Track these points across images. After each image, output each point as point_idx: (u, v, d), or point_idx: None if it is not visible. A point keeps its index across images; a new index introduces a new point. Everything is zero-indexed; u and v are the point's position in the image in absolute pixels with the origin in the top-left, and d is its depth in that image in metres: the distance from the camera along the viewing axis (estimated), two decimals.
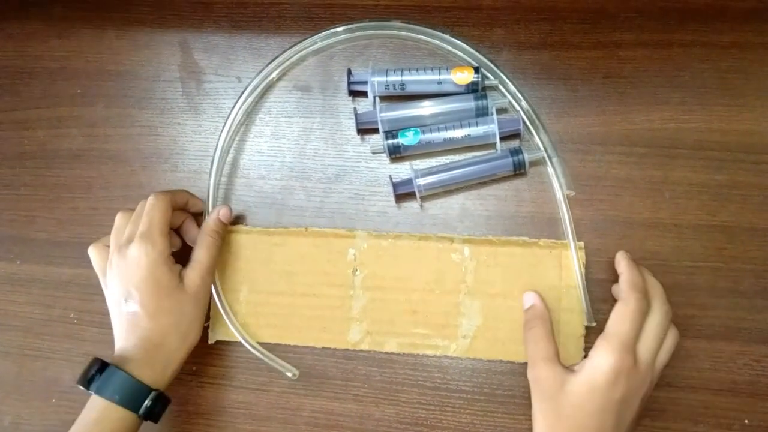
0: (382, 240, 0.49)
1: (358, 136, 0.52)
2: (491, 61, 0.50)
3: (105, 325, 0.51)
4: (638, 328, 0.40)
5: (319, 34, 0.52)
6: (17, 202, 0.55)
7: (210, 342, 0.50)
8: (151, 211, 0.45)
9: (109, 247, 0.46)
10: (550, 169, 0.49)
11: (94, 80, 0.56)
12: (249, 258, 0.50)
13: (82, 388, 0.42)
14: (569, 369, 0.40)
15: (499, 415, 0.48)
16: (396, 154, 0.50)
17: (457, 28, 0.53)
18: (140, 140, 0.55)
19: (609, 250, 0.48)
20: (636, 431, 0.41)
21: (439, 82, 0.50)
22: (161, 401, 0.43)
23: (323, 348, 0.49)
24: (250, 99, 0.52)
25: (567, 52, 0.51)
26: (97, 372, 0.42)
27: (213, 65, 0.55)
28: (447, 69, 0.50)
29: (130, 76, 0.56)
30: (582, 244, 0.47)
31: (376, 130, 0.51)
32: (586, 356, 0.46)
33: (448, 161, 0.51)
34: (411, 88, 0.50)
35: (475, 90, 0.50)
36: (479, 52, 0.50)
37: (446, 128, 0.49)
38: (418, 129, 0.49)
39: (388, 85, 0.50)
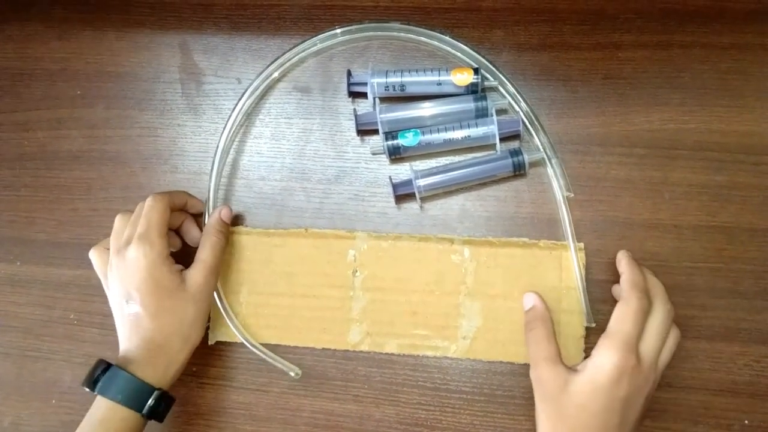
0: (382, 241, 0.49)
1: (358, 137, 0.52)
2: (491, 63, 0.50)
3: (105, 326, 0.52)
4: (641, 327, 0.39)
5: (319, 36, 0.52)
6: (17, 203, 0.55)
7: (210, 343, 0.50)
8: (149, 213, 0.45)
9: (109, 249, 0.46)
10: (549, 170, 0.49)
11: (94, 82, 0.56)
12: (249, 259, 0.50)
13: (87, 389, 0.42)
14: (572, 369, 0.40)
15: (498, 415, 0.48)
16: (396, 155, 0.50)
17: (457, 29, 0.53)
18: (140, 141, 0.55)
19: (609, 251, 0.48)
20: (639, 431, 0.41)
21: (439, 83, 0.50)
22: (165, 400, 0.43)
23: (323, 349, 0.49)
24: (250, 100, 0.52)
25: (566, 54, 0.52)
26: (102, 373, 0.42)
27: (213, 66, 0.55)
28: (447, 70, 0.50)
29: (130, 78, 0.56)
30: (582, 245, 0.47)
31: (375, 131, 0.51)
32: (586, 357, 0.46)
33: (447, 162, 0.51)
34: (411, 90, 0.50)
35: (474, 91, 0.50)
36: (479, 53, 0.50)
37: (446, 129, 0.49)
38: (418, 130, 0.49)
39: (387, 87, 0.50)
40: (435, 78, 0.50)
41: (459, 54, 0.51)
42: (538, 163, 0.50)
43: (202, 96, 0.55)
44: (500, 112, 0.50)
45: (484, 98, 0.49)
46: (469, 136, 0.49)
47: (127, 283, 0.44)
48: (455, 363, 0.48)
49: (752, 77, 0.50)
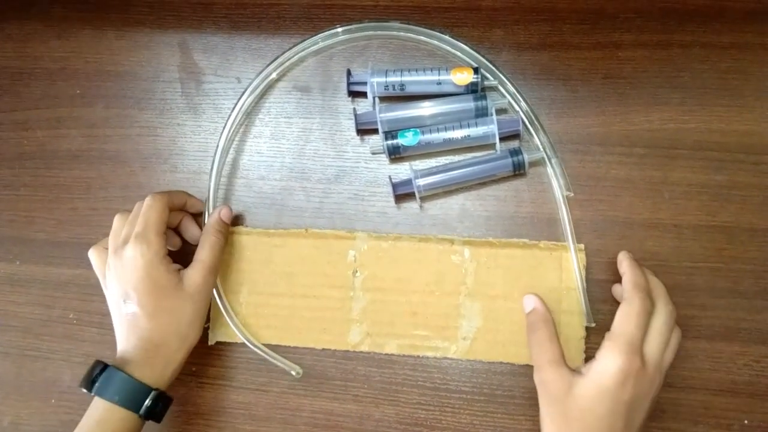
0: (382, 241, 0.49)
1: (358, 137, 0.52)
2: (491, 62, 0.50)
3: (104, 325, 0.51)
4: (644, 329, 0.39)
5: (319, 35, 0.52)
6: (17, 202, 0.55)
7: (210, 343, 0.50)
8: (147, 212, 0.44)
9: (108, 249, 0.46)
10: (549, 170, 0.49)
11: (93, 81, 0.56)
12: (249, 259, 0.50)
13: (84, 390, 0.42)
14: (576, 371, 0.40)
15: (498, 415, 0.48)
16: (395, 154, 0.50)
17: (457, 28, 0.53)
18: (139, 141, 0.55)
19: (609, 251, 0.48)
20: None
21: (439, 83, 0.50)
22: (162, 401, 0.43)
23: (323, 349, 0.49)
24: (250, 99, 0.52)
25: (566, 53, 0.51)
26: (99, 374, 0.42)
27: (212, 66, 0.55)
28: (446, 69, 0.50)
29: (130, 77, 0.56)
30: (582, 245, 0.47)
31: (375, 131, 0.51)
32: (587, 357, 0.46)
33: (447, 162, 0.51)
34: (410, 89, 0.50)
35: (474, 90, 0.50)
36: (479, 52, 0.50)
37: (446, 129, 0.49)
38: (418, 129, 0.49)
39: (387, 86, 0.50)
40: (435, 77, 0.50)
41: (459, 53, 0.51)
42: (537, 163, 0.50)
43: (202, 95, 0.55)
44: (500, 111, 0.50)
45: (484, 98, 0.49)
46: (468, 136, 0.49)
47: (124, 283, 0.44)
48: (455, 363, 0.48)
49: (752, 77, 0.50)
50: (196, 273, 0.45)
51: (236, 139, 0.53)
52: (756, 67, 0.50)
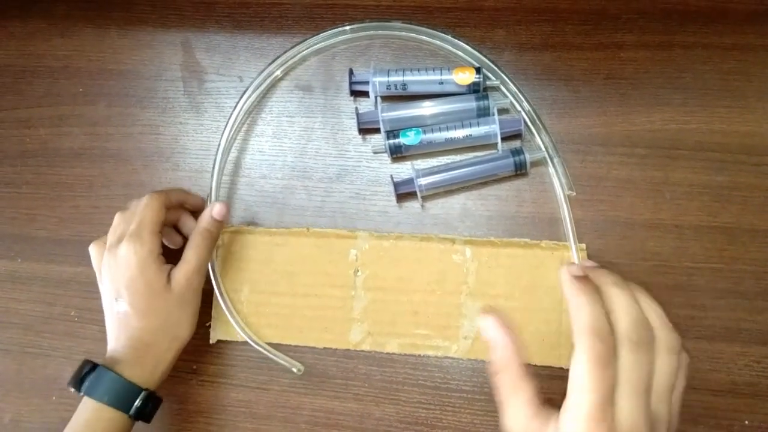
0: (383, 241, 0.49)
1: (360, 136, 0.52)
2: (493, 62, 0.50)
3: (105, 323, 0.51)
4: (606, 385, 0.28)
5: (321, 34, 0.52)
6: (18, 200, 0.55)
7: (211, 341, 0.50)
8: (143, 210, 0.44)
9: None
10: (551, 170, 0.49)
11: (96, 79, 0.56)
12: (250, 258, 0.50)
13: (73, 390, 0.42)
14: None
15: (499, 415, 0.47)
16: (397, 153, 0.50)
17: (459, 28, 0.53)
18: (142, 139, 0.55)
19: (610, 251, 0.48)
20: None
21: (441, 83, 0.50)
22: (152, 401, 0.43)
23: (324, 348, 0.49)
24: (252, 98, 0.52)
25: (568, 53, 0.52)
26: (88, 373, 0.41)
27: (215, 65, 0.55)
28: (448, 69, 0.50)
29: (132, 75, 0.56)
30: (584, 246, 0.47)
31: (377, 130, 0.51)
32: None
33: (449, 161, 0.51)
34: (412, 89, 0.50)
35: (476, 90, 0.50)
36: (481, 52, 0.50)
37: (448, 128, 0.49)
38: (420, 129, 0.49)
39: (389, 85, 0.50)
40: (437, 77, 0.50)
41: (461, 53, 0.51)
42: (539, 163, 0.50)
43: (204, 94, 0.55)
44: (502, 111, 0.50)
45: (486, 97, 0.49)
46: (470, 135, 0.49)
47: (117, 281, 0.43)
48: (456, 362, 0.48)
49: (754, 78, 0.50)
50: (179, 273, 0.44)
51: (238, 137, 0.53)
52: (758, 68, 0.50)
